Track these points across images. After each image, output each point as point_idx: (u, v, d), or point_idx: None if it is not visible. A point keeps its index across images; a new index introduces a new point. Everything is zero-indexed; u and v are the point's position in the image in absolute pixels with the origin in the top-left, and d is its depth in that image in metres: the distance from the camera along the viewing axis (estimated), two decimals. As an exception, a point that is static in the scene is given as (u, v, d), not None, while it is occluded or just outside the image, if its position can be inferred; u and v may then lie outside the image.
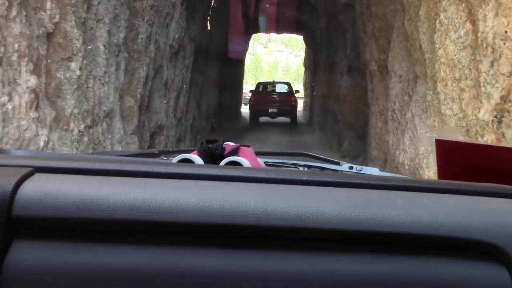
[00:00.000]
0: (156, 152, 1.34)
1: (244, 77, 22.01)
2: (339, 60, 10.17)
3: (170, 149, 1.57)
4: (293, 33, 22.98)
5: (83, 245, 0.50)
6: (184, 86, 8.92)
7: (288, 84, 18.35)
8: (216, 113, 13.36)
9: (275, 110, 15.70)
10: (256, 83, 18.64)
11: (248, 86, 24.34)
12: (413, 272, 0.51)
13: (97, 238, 0.50)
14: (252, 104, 16.25)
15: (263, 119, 16.58)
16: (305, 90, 22.52)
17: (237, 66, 18.15)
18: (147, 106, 7.02)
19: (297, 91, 17.58)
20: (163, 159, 1.20)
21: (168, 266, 0.49)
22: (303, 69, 23.72)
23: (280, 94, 16.65)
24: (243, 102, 20.49)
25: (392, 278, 0.50)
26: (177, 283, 0.49)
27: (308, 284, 0.49)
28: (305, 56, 22.51)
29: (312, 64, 17.94)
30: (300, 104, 20.82)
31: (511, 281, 0.50)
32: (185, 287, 0.49)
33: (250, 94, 17.94)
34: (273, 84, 18.16)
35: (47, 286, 0.48)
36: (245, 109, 20.59)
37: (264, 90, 17.16)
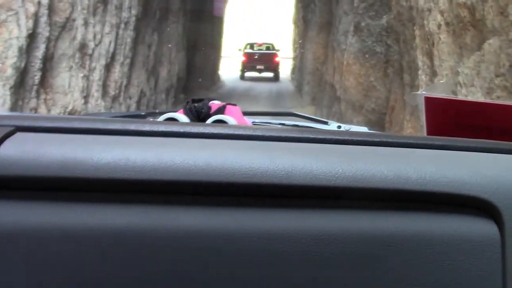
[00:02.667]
0: (143, 113, 1.32)
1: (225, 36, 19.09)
2: (341, 15, 7.42)
3: (157, 111, 1.52)
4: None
5: (66, 205, 0.48)
6: (122, 51, 6.15)
7: (272, 45, 20.08)
8: (182, 81, 10.59)
9: (262, 66, 18.28)
10: (245, 44, 19.98)
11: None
12: (401, 228, 0.50)
13: (80, 197, 0.49)
14: (243, 61, 18.63)
15: (249, 86, 15.92)
16: (294, 50, 19.69)
17: (213, 23, 15.25)
18: (41, 84, 4.30)
19: (278, 50, 19.60)
20: (150, 119, 1.16)
21: (153, 225, 0.48)
22: (291, 26, 20.88)
23: (265, 53, 18.84)
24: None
25: (381, 234, 0.49)
26: (163, 242, 0.47)
27: (296, 241, 0.48)
28: (294, 11, 19.54)
29: (302, 20, 15.19)
30: (287, 65, 20.57)
31: (500, 235, 0.50)
32: (171, 246, 0.47)
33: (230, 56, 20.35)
34: (260, 45, 20.05)
35: (29, 246, 0.46)
36: (227, 73, 18.13)
37: (252, 49, 19.19)
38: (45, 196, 0.49)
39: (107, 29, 5.66)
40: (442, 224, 0.50)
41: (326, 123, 1.25)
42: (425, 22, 2.66)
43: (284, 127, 1.16)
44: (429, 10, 2.62)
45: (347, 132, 0.83)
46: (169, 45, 9.30)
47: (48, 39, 4.35)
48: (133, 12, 6.43)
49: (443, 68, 2.48)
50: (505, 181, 0.52)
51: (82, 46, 5.05)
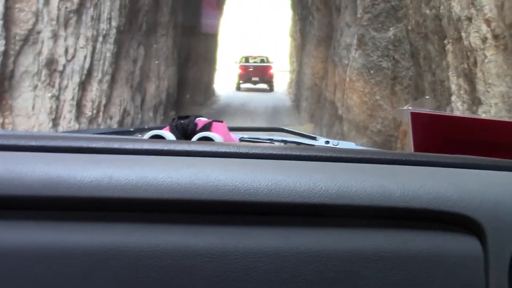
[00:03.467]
0: (132, 129, 1.31)
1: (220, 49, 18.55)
2: (343, 27, 6.82)
3: (146, 127, 1.49)
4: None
5: (49, 224, 0.48)
6: (100, 66, 5.51)
7: (266, 57, 20.94)
8: (172, 97, 9.96)
9: (257, 78, 19.16)
10: (241, 57, 20.74)
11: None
12: (385, 245, 0.49)
13: (63, 216, 0.49)
14: (240, 73, 19.52)
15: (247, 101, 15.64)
16: (291, 64, 19.17)
17: (206, 35, 14.69)
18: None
19: (272, 63, 20.47)
20: (137, 136, 1.14)
21: (136, 243, 0.47)
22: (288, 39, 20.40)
23: (260, 66, 19.76)
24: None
25: (364, 251, 0.49)
26: (146, 260, 0.47)
27: (280, 259, 0.48)
28: (291, 24, 19.04)
29: (299, 33, 14.66)
30: (284, 79, 20.95)
31: (483, 252, 0.50)
32: (154, 264, 0.47)
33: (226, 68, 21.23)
34: (255, 57, 20.87)
35: (12, 266, 0.46)
36: (222, 86, 17.69)
37: (248, 62, 20.04)
38: (27, 215, 0.48)
39: (81, 42, 5.04)
40: (425, 240, 0.50)
41: (314, 138, 1.25)
42: (463, 34, 2.05)
43: (270, 144, 1.13)
44: (469, 18, 2.01)
45: (333, 149, 0.86)
46: (158, 60, 8.69)
47: (5, 54, 3.71)
48: (114, 23, 5.81)
49: (491, 95, 1.85)
50: (487, 197, 0.52)
51: (50, 62, 4.42)
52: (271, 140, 1.22)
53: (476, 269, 0.49)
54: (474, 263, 0.50)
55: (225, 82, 19.21)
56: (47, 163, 0.51)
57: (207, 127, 0.92)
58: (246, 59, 20.12)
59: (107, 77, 5.78)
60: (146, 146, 0.57)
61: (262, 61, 20.10)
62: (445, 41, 2.27)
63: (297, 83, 14.88)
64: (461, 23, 2.05)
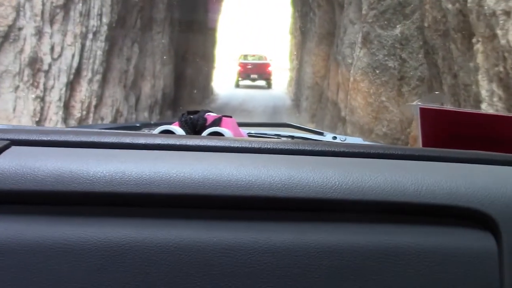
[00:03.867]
0: (138, 125, 1.30)
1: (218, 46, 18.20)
2: (346, 24, 6.50)
3: (152, 122, 1.53)
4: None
5: (62, 219, 0.48)
6: (90, 65, 5.20)
7: (264, 56, 21.27)
8: (169, 96, 9.64)
9: (255, 75, 19.59)
10: (240, 55, 21.12)
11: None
12: (398, 240, 0.49)
13: (76, 211, 0.49)
14: (239, 70, 19.91)
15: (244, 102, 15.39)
16: (291, 61, 18.86)
17: (205, 33, 14.37)
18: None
19: (270, 60, 20.79)
20: (144, 131, 1.15)
21: (149, 238, 0.47)
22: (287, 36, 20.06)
23: (259, 63, 20.07)
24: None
25: (378, 246, 0.49)
26: (160, 255, 0.47)
27: (294, 254, 0.48)
28: (291, 21, 18.70)
29: (300, 31, 14.34)
30: (283, 77, 20.63)
31: (497, 247, 0.50)
32: (168, 259, 0.47)
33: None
34: (253, 55, 21.26)
35: (26, 261, 0.46)
36: (221, 84, 17.40)
37: (247, 60, 20.50)
38: (40, 210, 0.48)
39: (69, 40, 4.72)
40: (439, 236, 0.50)
41: (322, 133, 1.24)
42: (499, 32, 1.74)
43: (280, 139, 1.12)
44: (507, 13, 1.70)
45: (342, 144, 0.88)
46: (153, 58, 8.37)
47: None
48: (105, 20, 5.49)
49: (534, 105, 1.55)
50: (501, 192, 0.52)
51: (33, 61, 4.10)
52: (279, 136, 1.21)
53: (490, 264, 0.49)
54: (488, 258, 0.49)
55: (224, 80, 18.97)
56: (60, 158, 0.51)
57: (216, 122, 0.91)
58: (245, 57, 20.60)
59: (98, 77, 5.46)
60: (158, 141, 0.57)
61: (260, 58, 20.46)
62: (474, 40, 1.97)
63: (297, 82, 14.55)
64: (496, 19, 1.74)
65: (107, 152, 0.54)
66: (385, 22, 5.48)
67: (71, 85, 4.88)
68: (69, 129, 1.16)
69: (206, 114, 0.93)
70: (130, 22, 6.80)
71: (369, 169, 0.53)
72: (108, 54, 5.84)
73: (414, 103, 0.88)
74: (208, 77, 15.84)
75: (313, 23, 10.45)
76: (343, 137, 1.20)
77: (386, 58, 5.44)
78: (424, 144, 0.83)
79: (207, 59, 15.42)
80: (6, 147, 0.52)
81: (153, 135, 0.68)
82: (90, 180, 0.48)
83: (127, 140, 0.57)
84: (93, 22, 5.20)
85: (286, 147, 0.58)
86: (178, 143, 0.57)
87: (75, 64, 4.86)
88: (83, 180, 0.48)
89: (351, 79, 5.91)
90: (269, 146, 0.58)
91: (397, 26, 5.38)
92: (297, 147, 0.58)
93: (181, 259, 0.46)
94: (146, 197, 0.48)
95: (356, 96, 5.81)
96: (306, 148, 0.59)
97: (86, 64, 5.14)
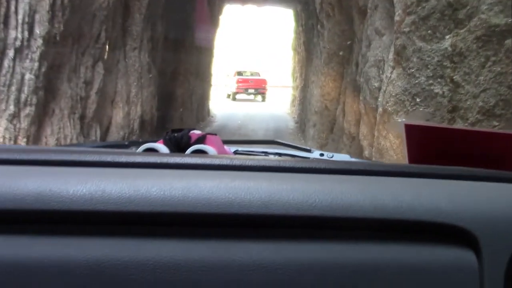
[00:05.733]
0: (126, 143, 1.30)
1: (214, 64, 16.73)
2: (371, 35, 4.92)
3: (140, 140, 1.50)
4: (280, 5, 17.35)
5: (42, 237, 0.48)
6: (12, 95, 3.61)
7: (259, 73, 22.62)
8: (150, 124, 8.04)
9: (252, 90, 20.79)
10: (236, 71, 21.92)
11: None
12: (378, 257, 0.49)
13: (56, 230, 0.48)
14: (237, 86, 20.87)
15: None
16: (294, 80, 17.44)
17: (199, 50, 12.89)
18: None
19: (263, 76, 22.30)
20: (131, 149, 1.13)
21: (129, 256, 0.47)
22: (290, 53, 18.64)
23: (256, 79, 21.33)
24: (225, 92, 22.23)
25: (358, 263, 0.48)
26: (139, 273, 0.46)
27: (274, 271, 0.48)
28: (293, 36, 17.26)
29: (304, 46, 12.88)
30: (285, 95, 19.61)
31: (477, 263, 0.49)
32: (147, 278, 0.46)
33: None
34: (249, 72, 22.41)
35: (4, 280, 0.45)
36: (218, 103, 16.10)
37: (244, 76, 21.55)
38: (20, 229, 0.48)
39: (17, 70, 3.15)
40: (419, 252, 0.50)
41: (309, 150, 1.24)
42: None
43: (264, 157, 1.11)
44: None
45: (327, 161, 0.91)
46: (128, 80, 6.81)
47: None
48: (38, 30, 3.92)
49: None
50: (482, 208, 0.52)
51: None
52: (266, 153, 1.20)
53: (471, 280, 0.49)
54: (469, 275, 0.49)
55: (220, 100, 17.84)
56: (39, 177, 0.50)
57: (200, 140, 0.91)
58: (239, 73, 21.81)
59: (29, 110, 3.88)
60: (139, 159, 0.57)
61: (253, 75, 21.96)
62: None
63: (302, 102, 13.02)
64: None
65: (87, 171, 0.53)
66: (429, 31, 3.92)
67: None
68: (51, 148, 1.11)
69: (191, 132, 0.95)
70: (89, 35, 5.24)
71: (351, 186, 0.53)
72: (50, 78, 4.27)
73: (399, 120, 1.18)
74: (203, 97, 14.37)
75: (321, 38, 8.90)
76: (330, 154, 1.18)
77: (431, 81, 3.86)
78: (410, 161, 0.82)
79: (202, 77, 13.97)
80: None
81: (135, 154, 0.70)
82: (70, 198, 0.48)
83: (108, 158, 0.57)
84: (16, 33, 3.64)
85: (268, 165, 0.58)
86: (159, 161, 0.57)
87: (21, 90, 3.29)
88: (63, 198, 0.48)
89: (380, 109, 4.33)
90: (250, 164, 0.58)
91: (446, 37, 3.84)
92: (279, 164, 0.58)
93: (161, 277, 0.46)
94: (126, 216, 0.48)
95: (387, 133, 4.22)
96: (288, 165, 0.58)
97: (5, 93, 3.57)
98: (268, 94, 21.76)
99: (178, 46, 10.47)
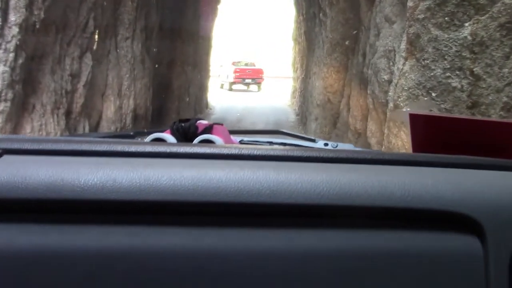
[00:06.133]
0: (131, 133, 1.29)
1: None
2: (380, 23, 4.52)
3: (145, 130, 1.50)
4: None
5: (54, 227, 0.48)
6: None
7: (254, 63, 22.68)
8: (144, 118, 7.67)
9: (250, 80, 21.08)
10: (232, 61, 22.02)
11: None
12: (385, 245, 0.50)
13: (67, 219, 0.49)
14: (235, 75, 21.08)
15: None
16: (294, 70, 17.08)
17: (196, 39, 12.48)
18: None
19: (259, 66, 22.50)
20: (137, 140, 1.14)
21: (140, 245, 0.48)
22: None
23: (253, 69, 21.61)
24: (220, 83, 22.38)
25: (365, 251, 0.49)
26: (149, 262, 0.47)
27: (283, 259, 0.48)
28: (294, 26, 16.82)
29: (304, 36, 12.49)
30: (284, 86, 19.13)
31: (483, 251, 0.50)
32: (158, 266, 0.47)
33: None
34: (244, 62, 22.53)
35: (17, 269, 0.46)
36: (217, 97, 15.76)
37: (240, 66, 21.69)
38: (32, 218, 0.48)
39: None
40: (425, 240, 0.50)
41: (313, 140, 1.24)
42: None
43: (271, 146, 1.12)
44: None
45: (333, 150, 0.84)
46: (120, 71, 6.43)
47: None
48: (13, 17, 3.53)
49: None
50: (487, 196, 0.52)
51: None
52: (271, 143, 1.20)
53: (476, 268, 0.49)
54: (474, 262, 0.49)
55: (218, 91, 17.49)
56: (51, 167, 0.50)
57: (208, 130, 0.91)
58: (236, 63, 22.00)
59: (3, 106, 3.50)
60: (148, 148, 0.58)
61: (247, 65, 22.08)
62: None
63: (302, 94, 12.64)
64: None
65: (98, 160, 0.53)
66: (446, 18, 3.54)
67: None
68: (61, 137, 1.08)
69: (198, 122, 0.93)
70: (76, 23, 4.85)
71: (357, 175, 0.53)
72: (30, 70, 3.89)
73: (404, 109, 1.06)
74: (201, 88, 13.99)
75: (323, 27, 8.50)
76: (334, 144, 1.18)
77: (448, 74, 3.49)
78: (415, 150, 0.83)
79: (200, 68, 13.57)
80: None
81: (144, 143, 0.71)
82: (81, 188, 0.48)
83: (118, 148, 0.57)
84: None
85: (275, 154, 0.59)
86: (168, 150, 0.57)
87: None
88: (74, 188, 0.48)
89: (390, 104, 3.95)
90: (258, 153, 0.58)
91: (466, 25, 3.46)
92: (286, 154, 0.59)
93: (172, 265, 0.46)
94: (137, 205, 0.49)
95: (398, 131, 3.85)
96: (295, 154, 0.59)
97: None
98: (268, 85, 21.89)
99: (174, 35, 10.07)
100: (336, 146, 1.17)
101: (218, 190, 0.49)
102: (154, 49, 8.43)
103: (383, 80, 4.17)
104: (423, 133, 0.83)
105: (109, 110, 6.24)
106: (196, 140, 0.87)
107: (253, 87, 21.62)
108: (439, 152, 0.71)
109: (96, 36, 5.75)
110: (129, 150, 0.56)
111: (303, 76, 12.97)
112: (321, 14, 8.58)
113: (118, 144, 0.59)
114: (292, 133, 1.37)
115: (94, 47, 5.71)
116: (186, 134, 0.90)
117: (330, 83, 7.63)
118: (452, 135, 0.80)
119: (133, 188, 0.48)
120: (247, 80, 21.09)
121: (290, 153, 0.58)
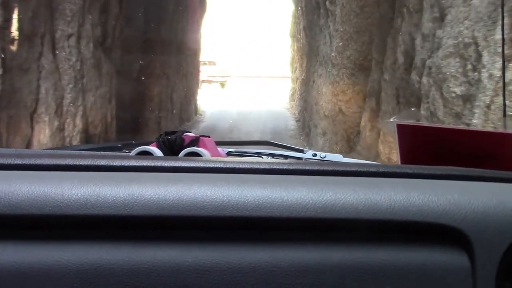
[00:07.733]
0: (119, 145, 1.30)
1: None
2: (444, 2, 2.79)
3: (133, 142, 1.45)
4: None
5: (37, 242, 0.48)
6: None
7: (215, 63, 21.69)
8: (103, 137, 5.92)
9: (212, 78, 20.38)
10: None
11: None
12: (372, 258, 0.49)
13: (51, 235, 0.49)
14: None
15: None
16: (293, 70, 15.54)
17: (180, 40, 10.76)
18: None
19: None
20: (125, 152, 1.13)
21: (124, 260, 0.47)
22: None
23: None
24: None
25: (352, 264, 0.49)
26: (134, 277, 0.47)
27: (268, 273, 0.48)
28: (292, 20, 15.17)
29: (304, 32, 10.86)
30: (282, 87, 17.86)
31: (470, 263, 0.49)
32: (143, 281, 0.47)
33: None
34: (204, 61, 21.07)
35: (0, 286, 0.45)
36: (207, 102, 14.60)
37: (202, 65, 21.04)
38: (15, 234, 0.48)
39: None
40: (412, 253, 0.50)
41: (302, 151, 1.24)
42: None
43: (257, 158, 1.12)
44: None
45: (319, 163, 0.86)
46: (59, 80, 4.70)
47: None
48: None
49: None
50: (474, 208, 0.52)
51: None
52: (259, 154, 1.21)
53: (464, 280, 0.49)
54: (461, 275, 0.49)
55: (210, 95, 16.39)
56: (34, 182, 0.50)
57: (194, 143, 0.92)
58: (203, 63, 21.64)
59: None
60: (133, 163, 0.57)
61: (211, 64, 21.45)
62: None
63: (303, 98, 10.99)
64: None
65: (82, 175, 0.53)
66: None
67: None
68: (45, 151, 1.09)
69: (184, 134, 0.93)
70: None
71: (343, 187, 0.53)
72: None
73: (391, 119, 0.84)
74: (188, 94, 12.31)
75: (330, 18, 6.77)
76: (323, 154, 1.17)
77: None
78: (403, 161, 0.82)
79: (186, 72, 11.86)
80: None
81: (129, 157, 0.70)
82: (65, 203, 0.48)
83: (102, 162, 0.57)
84: None
85: (261, 167, 0.58)
86: (153, 164, 0.57)
87: None
88: (57, 203, 0.48)
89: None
90: (243, 167, 0.58)
91: None
92: (271, 167, 0.59)
93: (156, 281, 0.46)
94: (121, 220, 0.48)
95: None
96: (281, 167, 0.59)
97: None
98: (263, 87, 20.61)
99: (149, 31, 8.36)
100: (325, 157, 1.12)
101: (203, 204, 0.49)
102: (120, 51, 6.71)
103: (453, 94, 2.46)
104: (411, 143, 0.83)
105: (43, 133, 4.52)
106: (182, 153, 0.86)
107: (216, 85, 21.59)
108: (427, 162, 0.70)
109: (16, 33, 4.03)
110: (114, 164, 0.56)
111: (303, 77, 11.35)
112: (327, 2, 6.85)
113: (102, 158, 0.59)
114: (281, 144, 1.31)
115: (12, 48, 3.99)
116: (172, 147, 0.89)
117: (342, 89, 5.91)
118: (439, 145, 0.80)
119: (117, 203, 0.48)
120: (210, 79, 21.08)
121: (275, 166, 0.59)
